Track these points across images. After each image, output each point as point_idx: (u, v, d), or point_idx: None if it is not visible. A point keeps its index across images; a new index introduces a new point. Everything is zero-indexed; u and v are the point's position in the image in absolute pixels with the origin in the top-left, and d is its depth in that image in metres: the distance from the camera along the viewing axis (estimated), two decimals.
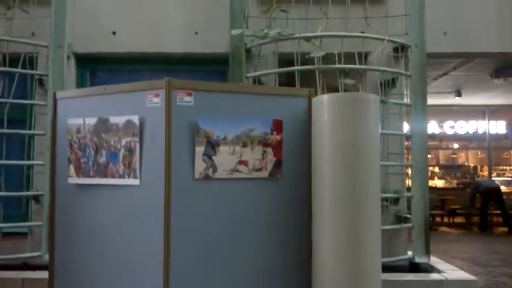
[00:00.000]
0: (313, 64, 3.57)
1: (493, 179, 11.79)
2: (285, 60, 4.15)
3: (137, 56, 4.27)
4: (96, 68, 4.33)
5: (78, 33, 4.09)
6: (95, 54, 4.23)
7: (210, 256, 2.61)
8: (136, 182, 2.61)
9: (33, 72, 3.80)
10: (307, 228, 2.77)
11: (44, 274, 3.07)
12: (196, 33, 4.33)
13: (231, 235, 2.66)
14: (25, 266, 3.50)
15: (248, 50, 4.01)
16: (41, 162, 3.57)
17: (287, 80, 4.43)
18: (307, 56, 3.54)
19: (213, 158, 2.61)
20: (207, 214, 2.61)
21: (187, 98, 2.62)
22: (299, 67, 3.51)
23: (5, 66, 3.59)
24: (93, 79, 4.31)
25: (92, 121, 2.77)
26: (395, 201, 4.06)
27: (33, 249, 3.51)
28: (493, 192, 9.85)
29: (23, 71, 3.66)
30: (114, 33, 4.24)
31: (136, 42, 4.25)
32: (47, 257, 3.20)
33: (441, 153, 14.00)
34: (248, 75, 3.75)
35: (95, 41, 4.20)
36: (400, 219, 3.98)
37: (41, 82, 3.89)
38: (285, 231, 2.79)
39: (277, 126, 2.75)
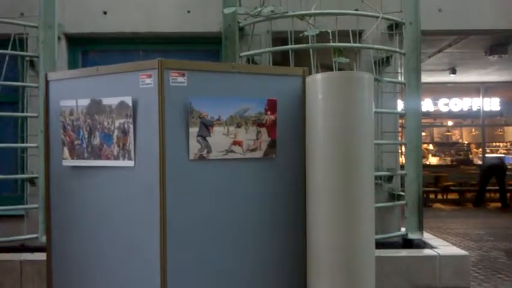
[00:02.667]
0: (307, 43, 3.54)
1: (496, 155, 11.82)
2: (279, 39, 4.11)
3: (129, 36, 4.22)
4: (87, 49, 4.28)
5: (68, 14, 4.02)
6: (86, 35, 4.16)
7: (205, 236, 2.63)
8: (131, 163, 2.61)
9: (24, 53, 3.74)
10: (302, 207, 2.80)
11: (42, 256, 3.10)
12: (188, 12, 4.27)
13: (226, 215, 2.68)
14: (23, 248, 3.52)
15: (241, 29, 3.97)
16: (34, 145, 3.55)
17: (281, 59, 4.40)
18: (301, 35, 3.51)
19: (207, 138, 2.61)
20: (202, 195, 2.62)
21: (180, 79, 2.60)
22: (293, 46, 3.48)
23: None
24: (85, 60, 4.25)
25: (84, 102, 2.75)
26: (389, 179, 4.09)
27: (30, 231, 3.53)
28: (496, 168, 9.91)
29: (13, 52, 3.60)
30: (105, 12, 4.17)
31: (127, 22, 4.18)
32: (44, 239, 3.23)
33: (435, 130, 14.07)
34: (241, 54, 3.71)
35: (86, 21, 4.13)
36: (393, 196, 4.03)
37: (32, 64, 3.84)
38: (279, 210, 2.81)
39: (271, 106, 2.75)
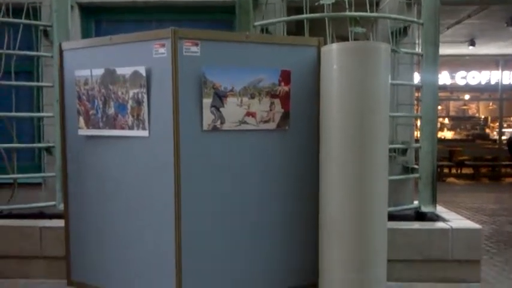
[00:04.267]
0: (323, 12, 3.46)
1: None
2: (294, 8, 4.02)
3: (141, 5, 4.16)
4: (101, 18, 4.24)
5: None
6: (98, 4, 4.12)
7: (219, 205, 2.67)
8: (146, 133, 2.63)
9: (37, 23, 3.72)
10: (315, 178, 2.80)
11: (60, 222, 3.18)
12: None
13: (239, 186, 2.70)
14: (41, 215, 3.61)
15: None
16: (50, 114, 3.59)
17: (296, 29, 4.32)
18: (316, 4, 3.42)
19: (221, 109, 2.61)
20: (216, 165, 2.64)
21: (194, 48, 2.58)
22: (308, 15, 3.40)
23: (8, 17, 3.52)
24: (99, 29, 4.22)
25: (99, 72, 2.75)
26: (404, 152, 4.06)
27: (48, 199, 3.60)
28: None
29: (26, 21, 3.59)
30: None
31: None
32: (61, 206, 3.30)
33: (452, 104, 13.83)
34: (256, 24, 3.64)
35: None
36: (407, 169, 4.00)
37: (45, 33, 3.83)
38: (293, 181, 2.83)
39: (285, 76, 2.72)
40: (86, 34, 4.14)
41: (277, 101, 2.72)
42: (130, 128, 2.68)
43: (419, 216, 3.67)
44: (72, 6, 3.83)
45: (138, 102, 2.64)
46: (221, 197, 2.67)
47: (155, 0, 4.13)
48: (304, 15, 3.42)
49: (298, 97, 2.78)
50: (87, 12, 4.20)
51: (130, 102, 2.66)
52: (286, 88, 2.73)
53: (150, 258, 2.69)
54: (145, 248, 2.71)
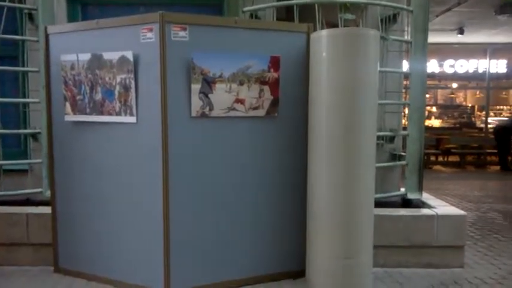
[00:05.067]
0: None
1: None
2: None
3: None
4: (87, 2, 4.15)
5: None
6: None
7: (207, 192, 2.67)
8: (133, 119, 2.61)
9: (22, 6, 3.64)
10: (304, 165, 2.81)
11: (46, 209, 3.15)
12: None
13: (227, 173, 2.71)
14: (27, 201, 3.57)
15: None
16: (36, 100, 3.53)
17: (286, 16, 4.29)
18: None
19: (210, 96, 2.59)
20: (204, 151, 2.64)
21: (182, 33, 2.55)
22: (298, 1, 3.37)
23: None
24: (85, 13, 4.14)
25: (85, 57, 2.71)
26: (391, 139, 4.08)
27: (34, 185, 3.56)
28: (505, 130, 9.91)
29: (11, 4, 3.51)
30: None
31: None
32: (48, 193, 3.27)
33: (439, 92, 13.93)
34: (245, 9, 3.60)
35: None
36: (394, 157, 4.03)
37: (30, 17, 3.75)
38: (280, 169, 2.83)
39: (275, 63, 2.71)
40: (72, 18, 4.06)
41: (266, 88, 2.71)
42: (118, 114, 2.65)
43: (406, 203, 3.72)
44: None
45: (126, 88, 2.61)
46: (209, 185, 2.67)
47: None
48: (294, 1, 3.40)
49: (287, 84, 2.77)
50: None
51: (117, 87, 2.63)
52: (275, 74, 2.72)
53: (138, 243, 2.69)
54: (132, 234, 2.70)
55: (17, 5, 3.54)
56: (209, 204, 2.68)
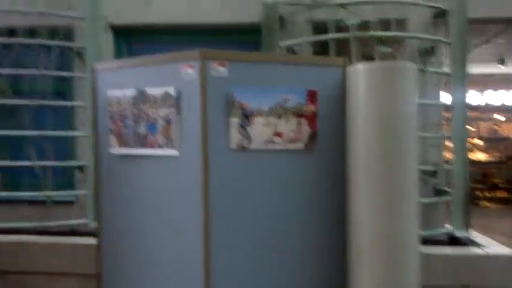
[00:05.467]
0: (348, 32, 3.48)
1: None
2: (319, 28, 4.06)
3: (171, 27, 4.30)
4: (132, 40, 4.39)
5: (113, 5, 4.13)
6: (130, 26, 4.27)
7: (248, 226, 2.66)
8: (175, 152, 2.68)
9: (71, 44, 3.89)
10: (343, 200, 2.77)
11: (91, 240, 3.23)
12: (228, 3, 4.30)
13: (267, 206, 2.70)
14: (73, 232, 3.68)
15: (281, 18, 3.95)
16: (84, 134, 3.70)
17: (321, 49, 4.36)
18: (341, 24, 3.46)
19: (248, 129, 2.63)
20: (244, 185, 2.65)
21: (222, 69, 2.63)
22: (333, 35, 3.43)
23: (44, 40, 3.69)
24: (130, 50, 4.37)
25: (130, 93, 2.84)
26: (434, 173, 3.98)
27: (79, 216, 3.69)
28: None
29: (60, 43, 3.75)
30: (148, 4, 4.26)
31: (170, 13, 4.26)
32: (93, 224, 3.37)
33: (482, 124, 13.50)
34: (281, 44, 3.70)
35: (129, 12, 4.24)
36: (439, 192, 3.91)
37: (79, 55, 3.99)
38: (319, 203, 2.80)
39: (312, 96, 2.73)
40: (118, 55, 4.28)
41: (304, 121, 2.73)
42: (161, 146, 2.74)
43: (453, 240, 3.57)
44: (105, 28, 3.98)
45: (168, 122, 2.69)
46: (250, 216, 2.67)
47: (184, 23, 4.25)
48: (329, 35, 3.45)
49: (324, 117, 2.78)
50: (119, 33, 4.36)
51: (160, 121, 2.72)
52: (312, 108, 2.74)
53: (180, 276, 2.70)
54: (174, 268, 2.72)
55: (66, 44, 3.79)
56: (249, 234, 2.67)
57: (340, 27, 3.54)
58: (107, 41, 4.12)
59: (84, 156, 3.75)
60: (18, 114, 3.72)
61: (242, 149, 2.63)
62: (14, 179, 3.93)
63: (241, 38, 4.45)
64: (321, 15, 3.71)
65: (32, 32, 3.70)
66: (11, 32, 3.77)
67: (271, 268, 2.72)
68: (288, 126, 2.69)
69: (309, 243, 2.79)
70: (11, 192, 3.71)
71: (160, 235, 2.76)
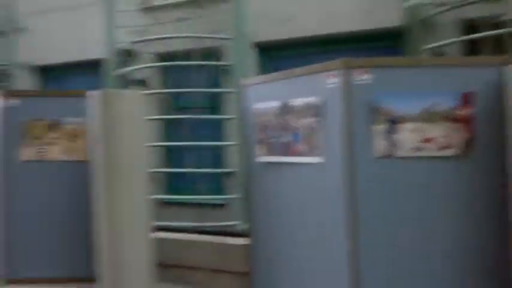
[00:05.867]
0: (504, 28, 3.17)
1: None
2: (466, 27, 3.77)
3: (309, 40, 4.42)
4: (275, 55, 4.63)
5: (257, 24, 4.41)
6: (273, 42, 4.51)
7: (396, 235, 2.60)
8: (318, 160, 2.76)
9: (220, 63, 4.27)
10: (502, 210, 2.53)
11: (242, 241, 3.50)
12: (366, 10, 4.26)
13: (417, 215, 2.59)
14: (223, 233, 4.00)
15: (424, 21, 3.78)
16: (232, 143, 4.02)
17: (470, 50, 4.04)
18: (496, 20, 3.16)
19: (395, 136, 2.58)
20: (391, 193, 2.60)
21: (365, 76, 2.63)
22: (487, 32, 3.15)
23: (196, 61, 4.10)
24: (273, 65, 4.61)
25: (275, 104, 3.01)
26: None
27: (228, 218, 4.00)
28: None
29: (211, 63, 4.15)
30: (291, 19, 4.45)
31: (310, 26, 4.39)
32: (242, 226, 3.63)
33: None
34: (426, 47, 3.53)
35: (272, 29, 4.48)
36: None
37: (227, 72, 4.36)
38: (478, 215, 2.59)
39: (467, 99, 2.56)
40: (262, 70, 4.55)
41: (456, 126, 2.57)
42: (304, 154, 2.84)
43: None
44: (250, 45, 4.28)
45: (311, 131, 2.79)
46: (399, 225, 2.60)
47: (324, 34, 4.34)
48: (484, 33, 3.18)
49: (479, 122, 2.58)
50: (263, 50, 4.64)
51: (303, 130, 2.84)
52: (468, 111, 2.56)
53: (327, 279, 2.76)
54: (320, 270, 2.79)
55: (216, 63, 4.18)
56: (397, 245, 2.61)
57: (493, 24, 3.24)
58: (252, 57, 4.40)
59: (233, 164, 4.05)
60: (180, 127, 4.21)
61: (388, 156, 2.59)
62: (178, 184, 4.44)
63: (379, 44, 4.37)
64: (470, 12, 3.45)
65: (187, 55, 4.17)
66: (172, 56, 4.29)
67: (419, 274, 2.60)
68: (438, 131, 2.57)
69: (465, 257, 2.60)
70: (173, 195, 4.21)
71: (305, 239, 2.86)
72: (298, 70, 2.94)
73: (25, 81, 5.54)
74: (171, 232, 3.89)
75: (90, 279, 3.58)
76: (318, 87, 2.76)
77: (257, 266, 3.28)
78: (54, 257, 3.84)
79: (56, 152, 3.83)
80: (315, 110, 2.75)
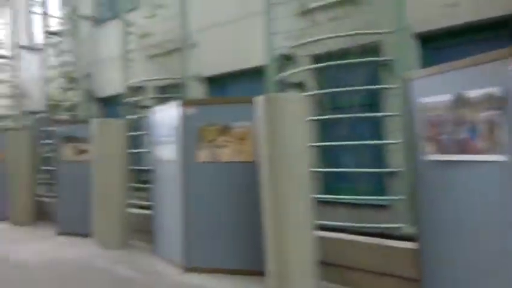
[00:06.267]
0: None
1: None
2: None
3: (479, 24, 3.97)
4: (438, 45, 4.30)
5: (418, 13, 4.15)
6: (435, 31, 4.20)
7: None
8: (501, 158, 2.46)
9: (379, 59, 4.13)
10: None
11: (406, 244, 3.32)
12: None
13: None
14: (385, 235, 3.85)
15: None
16: (395, 141, 3.85)
17: None
18: None
19: None
20: None
21: None
22: None
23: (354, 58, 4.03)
24: (436, 56, 4.29)
25: (445, 97, 2.78)
26: None
27: (391, 220, 3.83)
28: None
29: (370, 59, 4.04)
30: (455, 4, 4.07)
31: (482, 8, 3.94)
32: (406, 229, 3.44)
33: None
34: None
35: (433, 17, 4.16)
36: None
37: (386, 67, 4.19)
38: None
39: None
40: (424, 62, 4.27)
41: None
42: (484, 152, 2.56)
43: None
44: (410, 37, 4.04)
45: (492, 125, 2.50)
46: None
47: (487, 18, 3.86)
48: None
49: None
50: (424, 40, 4.34)
51: (483, 125, 2.56)
52: None
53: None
54: (501, 277, 2.49)
55: (375, 58, 4.05)
56: None
57: None
58: (413, 49, 4.16)
59: (395, 163, 3.88)
60: (336, 127, 4.21)
61: None
62: (334, 183, 4.45)
63: None
64: None
65: (344, 54, 4.13)
66: (328, 56, 4.31)
67: None
68: None
69: None
70: (331, 195, 4.22)
71: (492, 241, 2.57)
72: (473, 58, 2.66)
73: (194, 91, 6.20)
74: (328, 231, 3.90)
75: (261, 272, 3.81)
76: (499, 75, 2.46)
77: (429, 272, 3.07)
78: (228, 250, 4.21)
79: (227, 153, 4.19)
80: (496, 102, 2.46)
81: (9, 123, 10.40)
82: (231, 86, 6.32)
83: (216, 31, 6.15)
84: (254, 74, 5.61)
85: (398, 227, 3.72)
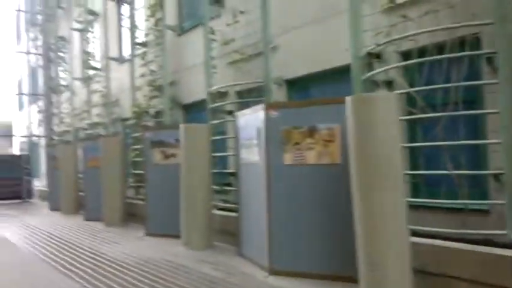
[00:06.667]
0: None
1: None
2: None
3: None
4: None
5: None
6: None
7: None
8: None
9: (480, 52, 3.81)
10: None
11: (509, 252, 3.02)
12: None
13: None
14: (488, 242, 3.53)
15: None
16: (496, 141, 3.53)
17: None
18: None
19: None
20: None
21: None
22: None
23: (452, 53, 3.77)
24: None
25: None
26: None
27: (496, 226, 3.50)
28: None
29: (469, 53, 3.74)
30: None
31: None
32: None
33: None
34: None
35: None
36: None
37: (488, 60, 3.86)
38: None
39: None
40: None
41: None
42: None
43: None
44: None
45: None
46: None
47: None
48: None
49: None
50: None
51: None
52: None
53: None
54: None
55: (475, 52, 3.74)
56: None
57: None
58: None
59: (499, 164, 3.55)
60: (432, 126, 3.95)
61: None
62: (431, 186, 4.18)
63: None
64: None
65: (439, 48, 3.87)
66: (420, 52, 4.06)
67: None
68: None
69: None
70: (428, 199, 3.97)
71: None
72: None
73: (276, 95, 6.20)
74: (421, 237, 3.65)
75: (351, 278, 3.67)
76: None
77: None
78: (315, 254, 4.12)
79: (313, 156, 4.12)
80: None
81: (100, 130, 11.17)
82: (313, 88, 6.24)
83: (298, 33, 6.11)
84: (336, 75, 5.48)
85: (503, 234, 3.39)
